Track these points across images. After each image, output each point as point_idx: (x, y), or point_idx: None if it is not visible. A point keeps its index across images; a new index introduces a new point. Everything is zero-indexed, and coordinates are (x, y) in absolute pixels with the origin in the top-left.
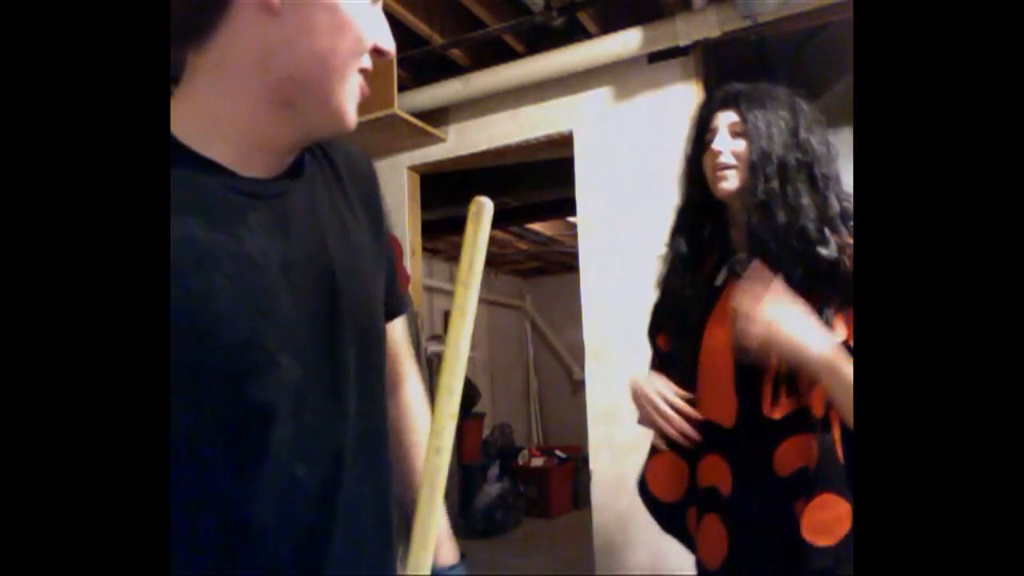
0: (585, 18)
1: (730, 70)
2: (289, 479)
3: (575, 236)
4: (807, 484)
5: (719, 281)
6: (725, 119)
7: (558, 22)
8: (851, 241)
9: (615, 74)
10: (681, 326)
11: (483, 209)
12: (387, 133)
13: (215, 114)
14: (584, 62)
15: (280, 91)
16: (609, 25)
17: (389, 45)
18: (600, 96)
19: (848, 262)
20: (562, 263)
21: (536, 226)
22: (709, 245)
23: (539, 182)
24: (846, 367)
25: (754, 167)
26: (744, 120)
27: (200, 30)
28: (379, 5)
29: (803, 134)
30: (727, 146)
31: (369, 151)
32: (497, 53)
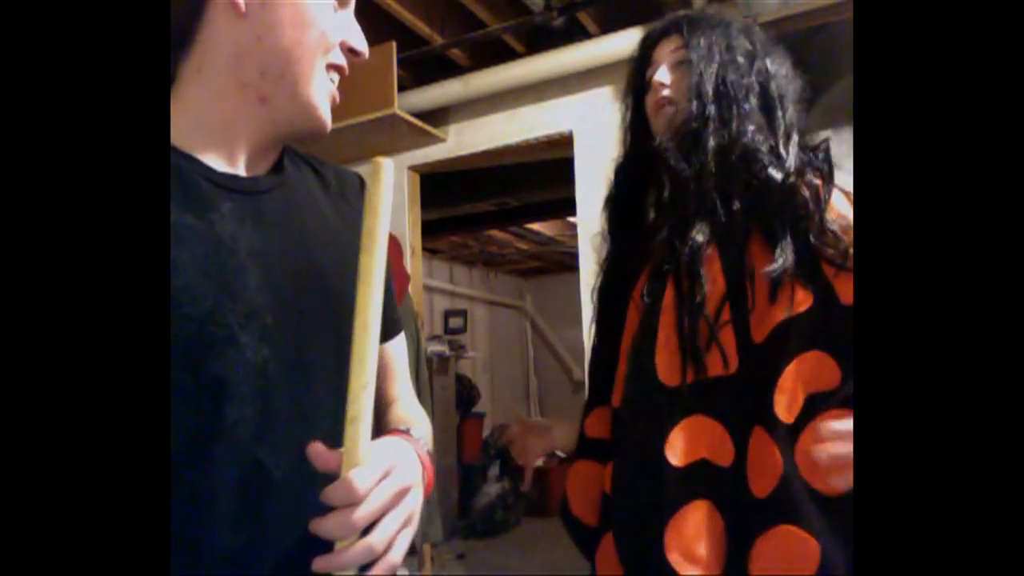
0: (585, 18)
1: None
2: (251, 462)
3: (575, 236)
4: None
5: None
6: (667, 48)
7: (558, 22)
8: (812, 172)
9: (615, 74)
10: (607, 309)
11: (381, 168)
12: (387, 133)
13: (198, 114)
14: (584, 62)
15: (254, 87)
16: (609, 25)
17: (361, 45)
18: (600, 96)
19: (807, 191)
20: (562, 263)
21: (536, 226)
22: (648, 207)
23: (539, 182)
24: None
25: (692, 94)
26: (687, 46)
27: (183, 36)
28: (349, 10)
29: (759, 62)
30: (669, 79)
31: (369, 151)
32: (497, 53)
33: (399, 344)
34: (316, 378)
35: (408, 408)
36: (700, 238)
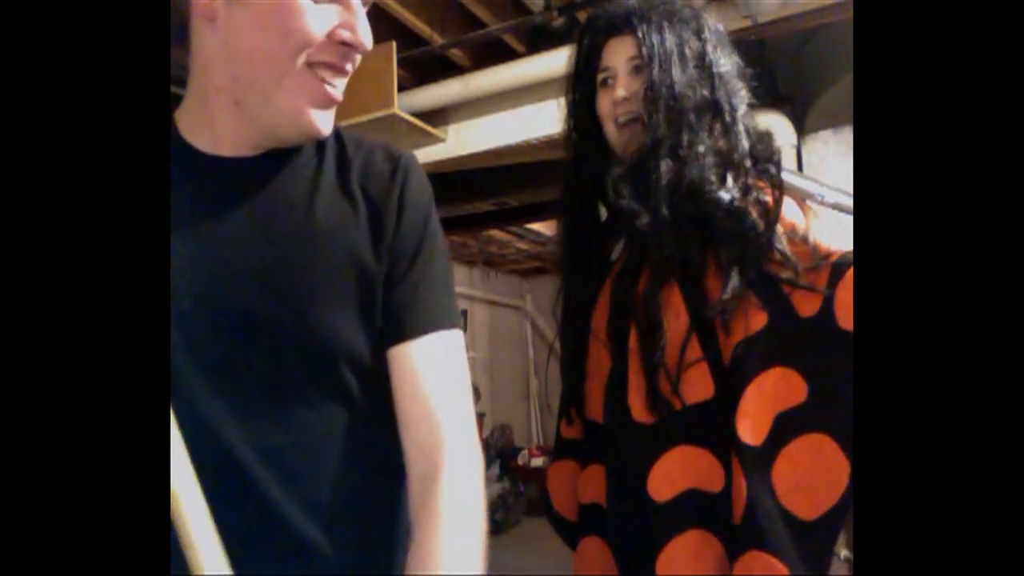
0: (585, 18)
1: None
2: None
3: None
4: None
5: (615, 254)
6: (622, 52)
7: (558, 22)
8: (763, 186)
9: None
10: (569, 311)
11: None
12: (387, 133)
13: (194, 111)
14: None
15: (227, 92)
16: None
17: (353, 36)
18: None
19: (755, 215)
20: None
21: (536, 226)
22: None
23: (539, 182)
24: None
25: (646, 114)
26: (642, 51)
27: (183, 37)
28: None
29: (709, 57)
30: (630, 91)
31: None
32: (497, 53)
33: (433, 349)
34: (240, 390)
35: (452, 508)
36: (656, 283)
